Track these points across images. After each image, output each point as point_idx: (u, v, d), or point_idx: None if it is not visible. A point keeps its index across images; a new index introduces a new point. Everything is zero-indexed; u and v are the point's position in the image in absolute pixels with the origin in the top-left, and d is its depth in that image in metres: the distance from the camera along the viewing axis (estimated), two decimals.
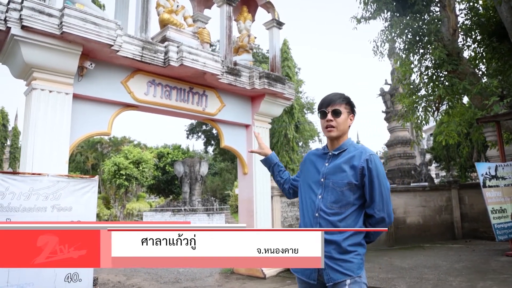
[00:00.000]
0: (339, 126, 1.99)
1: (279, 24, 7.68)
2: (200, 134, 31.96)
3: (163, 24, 6.14)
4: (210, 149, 33.98)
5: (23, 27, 4.17)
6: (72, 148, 4.91)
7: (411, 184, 13.91)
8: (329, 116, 1.98)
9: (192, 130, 31.25)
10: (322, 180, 1.99)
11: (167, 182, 30.41)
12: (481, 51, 9.51)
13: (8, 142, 33.11)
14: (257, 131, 7.23)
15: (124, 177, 21.46)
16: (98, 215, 19.97)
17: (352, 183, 1.92)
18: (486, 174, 7.44)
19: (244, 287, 5.91)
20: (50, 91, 4.60)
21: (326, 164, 2.02)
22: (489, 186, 7.38)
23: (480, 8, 9.22)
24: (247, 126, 7.33)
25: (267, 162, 2.37)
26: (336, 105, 1.99)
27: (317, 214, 1.94)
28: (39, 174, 4.20)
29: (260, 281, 6.31)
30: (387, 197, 1.96)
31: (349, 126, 2.06)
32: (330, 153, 2.04)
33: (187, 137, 31.67)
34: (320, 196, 1.96)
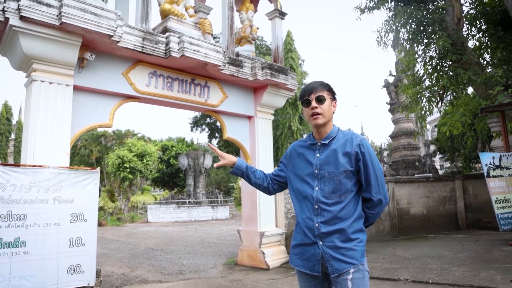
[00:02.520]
0: (324, 113, 1.96)
1: (282, 15, 7.59)
2: (204, 126, 31.99)
3: (164, 14, 6.08)
4: (214, 141, 34.02)
5: (22, 18, 4.13)
6: (73, 140, 4.90)
7: (415, 175, 13.85)
8: (314, 103, 1.96)
9: (196, 123, 31.29)
10: (316, 171, 1.96)
11: (172, 175, 30.54)
12: (486, 40, 9.37)
13: (13, 136, 33.31)
14: (259, 123, 7.25)
15: (128, 170, 21.56)
16: (102, 208, 20.12)
17: (348, 169, 1.92)
18: (490, 164, 7.38)
19: (248, 278, 5.92)
20: (50, 83, 4.57)
21: (318, 155, 1.99)
22: (493, 176, 7.32)
23: None
24: (250, 117, 7.29)
25: (238, 169, 2.21)
26: (318, 92, 1.97)
27: (316, 206, 1.92)
28: (40, 166, 4.21)
29: (264, 272, 6.32)
30: (381, 179, 1.97)
31: (333, 113, 2.04)
32: (319, 143, 2.01)
33: (191, 130, 31.72)
34: (317, 188, 1.94)
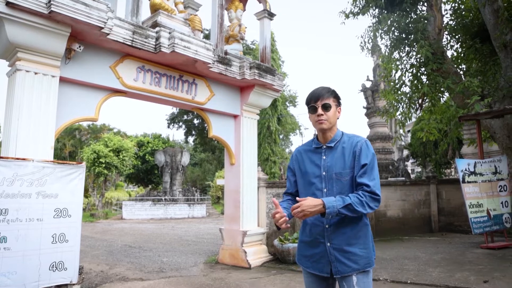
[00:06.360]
0: (329, 119, 2.05)
1: (270, 15, 7.62)
2: (181, 124, 31.64)
3: (154, 8, 5.98)
4: (191, 139, 33.72)
5: (8, 4, 3.96)
6: (58, 133, 4.75)
7: (389, 178, 14.23)
8: (320, 111, 2.04)
9: (173, 120, 30.90)
10: (324, 173, 2.03)
11: (147, 172, 29.96)
12: (463, 51, 9.76)
13: None
14: (245, 122, 7.26)
15: (104, 165, 21.01)
16: None
17: (352, 168, 1.99)
18: (466, 170, 7.70)
19: (231, 277, 5.92)
20: (36, 73, 4.41)
21: (324, 158, 2.07)
22: (468, 182, 7.64)
23: (464, 9, 9.44)
24: (235, 116, 7.28)
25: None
26: (325, 99, 2.04)
27: None
28: (24, 159, 4.05)
29: (245, 271, 6.34)
30: (374, 168, 1.99)
31: (338, 118, 2.13)
32: (325, 146, 2.09)
33: (168, 127, 31.31)
34: (325, 190, 2.01)
